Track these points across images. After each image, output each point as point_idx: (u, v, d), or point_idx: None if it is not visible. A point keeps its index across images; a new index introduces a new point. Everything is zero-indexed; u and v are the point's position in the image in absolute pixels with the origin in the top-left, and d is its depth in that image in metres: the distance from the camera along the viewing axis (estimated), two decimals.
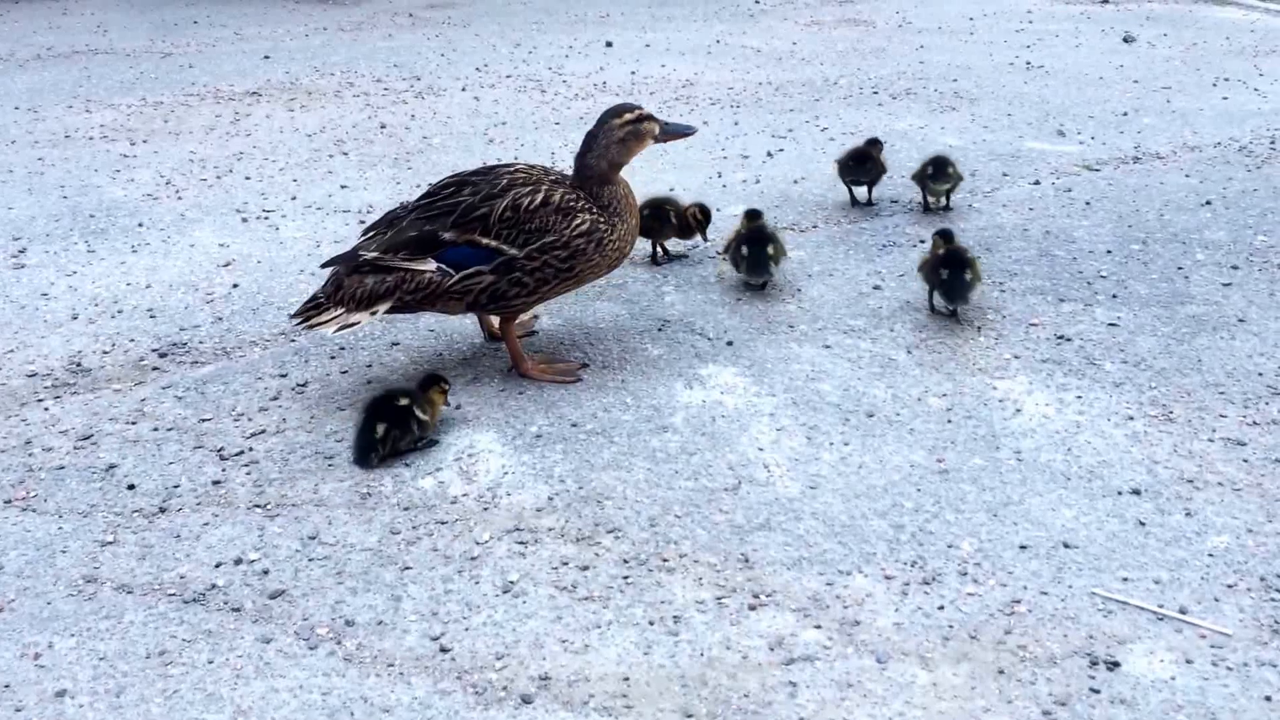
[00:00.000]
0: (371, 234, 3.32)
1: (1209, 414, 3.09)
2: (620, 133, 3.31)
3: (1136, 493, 2.75)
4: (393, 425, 2.96)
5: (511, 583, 2.50)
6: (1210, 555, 2.53)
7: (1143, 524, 2.64)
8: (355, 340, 3.65)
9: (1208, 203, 4.69)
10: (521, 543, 2.64)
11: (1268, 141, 5.55)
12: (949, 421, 3.09)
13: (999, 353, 3.47)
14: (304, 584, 2.50)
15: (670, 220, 4.12)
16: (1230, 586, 2.42)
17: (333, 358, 3.54)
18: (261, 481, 2.89)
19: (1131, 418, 3.09)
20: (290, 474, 2.92)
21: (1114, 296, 3.83)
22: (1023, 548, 2.57)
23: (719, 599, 2.44)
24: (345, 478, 2.90)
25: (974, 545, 2.59)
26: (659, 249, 4.23)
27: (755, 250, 3.85)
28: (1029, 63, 7.62)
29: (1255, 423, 3.04)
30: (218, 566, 2.56)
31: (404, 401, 2.98)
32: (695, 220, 4.12)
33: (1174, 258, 4.14)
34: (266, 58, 8.49)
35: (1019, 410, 3.14)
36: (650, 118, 3.36)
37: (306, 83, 7.59)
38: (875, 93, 6.87)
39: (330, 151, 5.87)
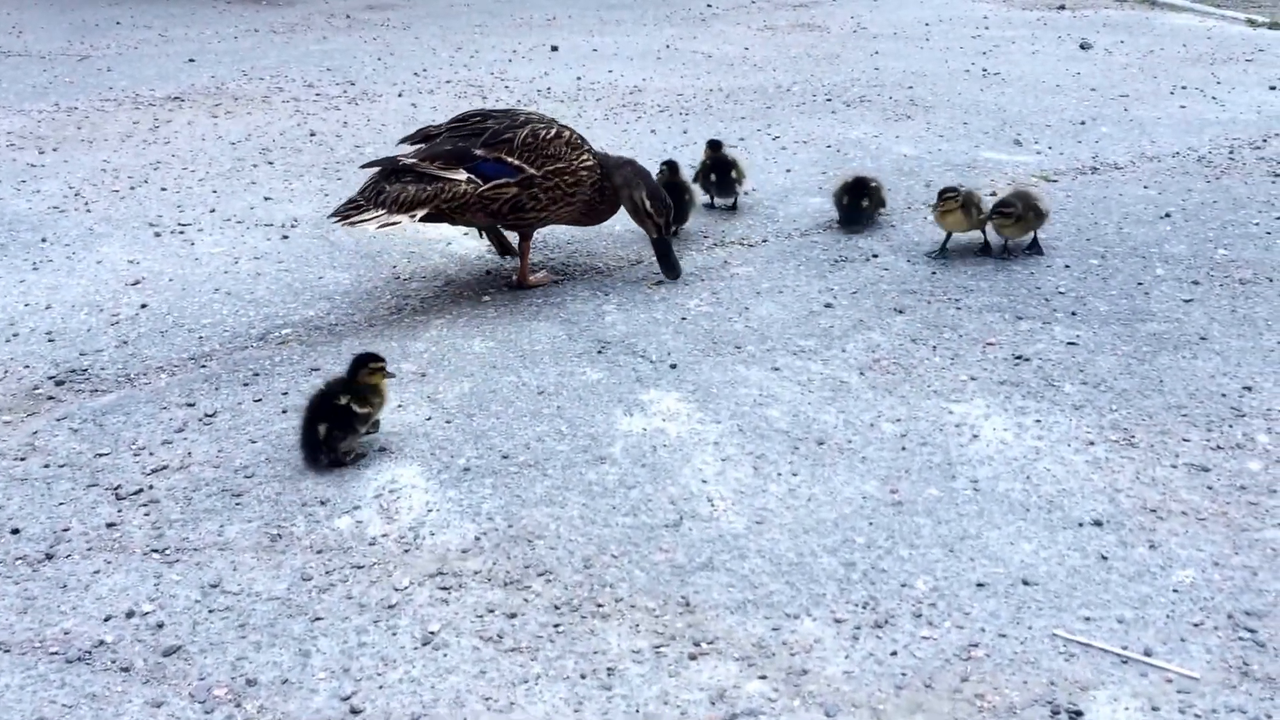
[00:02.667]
0: (409, 146, 3.89)
1: (1171, 438, 3.03)
2: (637, 197, 3.95)
3: (1098, 524, 2.68)
4: (334, 425, 2.91)
5: (432, 633, 2.37)
6: (1175, 591, 2.45)
7: (1105, 558, 2.56)
8: (271, 366, 3.50)
9: (1167, 215, 4.67)
10: (444, 588, 2.51)
11: (1226, 151, 5.56)
12: (903, 449, 3.01)
13: (955, 374, 3.39)
14: (202, 639, 2.35)
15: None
16: (1197, 625, 2.35)
17: (245, 385, 3.38)
18: (160, 523, 2.73)
19: (1092, 443, 3.02)
20: (193, 514, 2.76)
21: (1073, 314, 3.77)
22: (980, 585, 2.48)
23: (657, 648, 2.32)
24: (254, 518, 2.75)
25: (929, 584, 2.49)
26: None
27: (721, 176, 4.71)
28: (985, 70, 7.62)
29: (1219, 447, 2.99)
30: (107, 620, 2.40)
31: (341, 400, 2.92)
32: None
33: (1134, 273, 4.09)
34: (191, 61, 8.28)
35: (976, 436, 3.06)
36: (659, 226, 3.98)
37: (233, 87, 7.40)
38: (829, 100, 6.82)
39: (255, 161, 5.69)
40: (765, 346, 3.58)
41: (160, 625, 2.38)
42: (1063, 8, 10.22)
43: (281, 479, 2.91)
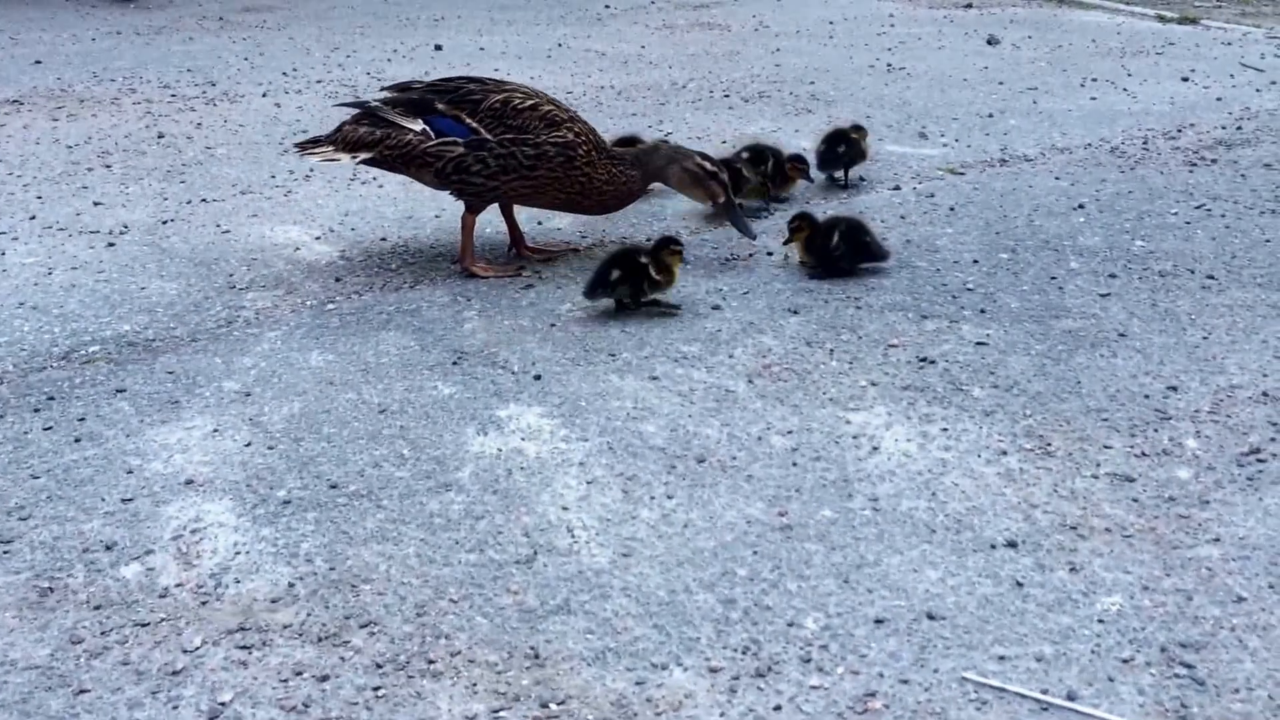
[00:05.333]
0: (386, 94, 3.90)
1: (1092, 445, 2.77)
2: (690, 165, 3.81)
3: (1012, 545, 2.39)
4: (626, 275, 3.38)
5: (222, 705, 1.99)
6: (1100, 622, 2.17)
7: (1020, 584, 2.27)
8: (69, 388, 3.08)
9: (1080, 206, 4.46)
10: (245, 647, 2.13)
11: (1140, 142, 5.40)
12: (794, 465, 2.70)
13: (853, 379, 3.10)
14: None
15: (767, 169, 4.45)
16: (1126, 661, 2.07)
17: (36, 410, 2.95)
18: None
19: (1005, 452, 2.74)
20: None
21: (982, 311, 3.51)
22: (879, 622, 2.17)
23: (496, 712, 1.97)
24: (22, 568, 2.34)
25: (820, 622, 2.18)
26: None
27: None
28: (890, 65, 7.44)
29: (1144, 453, 2.73)
30: None
31: (643, 259, 3.40)
32: (798, 171, 4.49)
33: (1046, 267, 3.86)
34: (37, 63, 7.75)
35: (876, 448, 2.77)
36: (724, 185, 3.81)
37: (80, 89, 6.90)
38: (726, 96, 6.56)
39: (91, 164, 5.23)
40: (643, 354, 3.26)
41: None
42: (969, 5, 10.15)
43: (63, 520, 2.50)
